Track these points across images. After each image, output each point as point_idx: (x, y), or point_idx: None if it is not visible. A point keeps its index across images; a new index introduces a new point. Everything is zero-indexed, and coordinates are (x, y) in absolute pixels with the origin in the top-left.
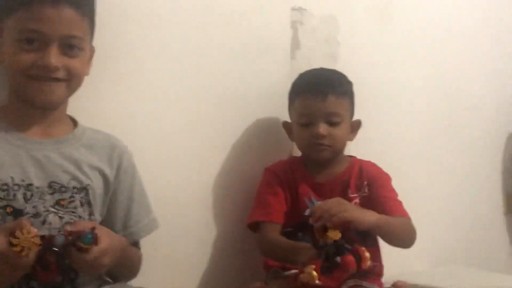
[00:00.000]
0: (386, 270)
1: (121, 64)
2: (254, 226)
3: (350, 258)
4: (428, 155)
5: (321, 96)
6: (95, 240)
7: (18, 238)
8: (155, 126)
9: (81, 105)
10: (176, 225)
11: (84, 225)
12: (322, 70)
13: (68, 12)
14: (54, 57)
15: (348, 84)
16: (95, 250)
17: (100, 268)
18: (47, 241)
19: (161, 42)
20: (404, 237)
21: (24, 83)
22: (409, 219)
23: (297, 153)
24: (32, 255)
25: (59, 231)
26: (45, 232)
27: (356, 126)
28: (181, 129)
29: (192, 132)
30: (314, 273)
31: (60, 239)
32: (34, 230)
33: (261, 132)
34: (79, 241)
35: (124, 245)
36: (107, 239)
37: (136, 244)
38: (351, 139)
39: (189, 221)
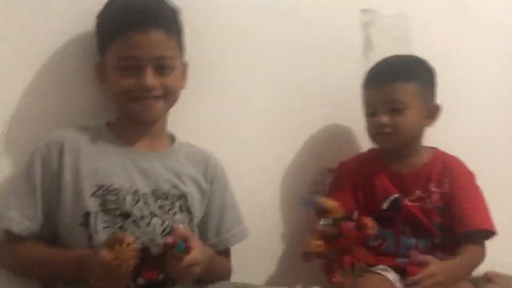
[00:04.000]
0: None
1: (209, 77)
2: None
3: (349, 224)
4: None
5: (378, 84)
6: (187, 250)
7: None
8: (243, 134)
9: (177, 118)
10: (265, 227)
11: (180, 234)
12: (389, 58)
13: (157, 36)
14: (150, 78)
15: (417, 67)
16: (188, 258)
17: (191, 275)
18: (144, 252)
19: (245, 52)
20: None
21: (127, 104)
22: (482, 248)
23: None
24: (130, 267)
25: (161, 235)
26: (149, 233)
27: (433, 111)
28: (265, 134)
29: (275, 135)
30: (313, 241)
31: (155, 250)
32: (132, 241)
33: (335, 133)
34: (173, 250)
35: (211, 255)
36: (198, 249)
37: (227, 251)
38: (427, 125)
39: (277, 225)
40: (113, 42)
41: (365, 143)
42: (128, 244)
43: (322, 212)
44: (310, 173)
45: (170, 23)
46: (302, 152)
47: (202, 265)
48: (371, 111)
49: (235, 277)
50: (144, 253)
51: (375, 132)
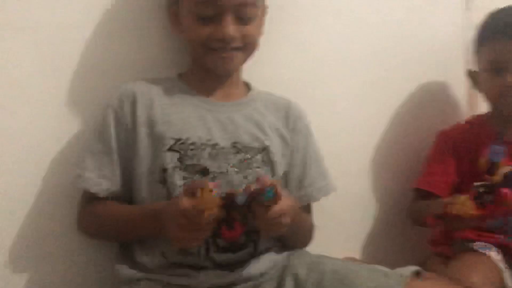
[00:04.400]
0: None
1: (295, 28)
2: (418, 192)
3: (505, 191)
4: None
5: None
6: (276, 197)
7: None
8: (319, 88)
9: (256, 71)
10: (352, 195)
11: (265, 182)
12: None
13: None
14: (230, 27)
15: None
16: (277, 207)
17: (280, 227)
18: (228, 199)
19: (333, 2)
20: None
21: (203, 54)
22: None
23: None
24: (214, 214)
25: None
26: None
27: None
28: (344, 91)
29: (361, 96)
30: (469, 203)
31: (241, 198)
32: (214, 187)
33: (431, 94)
34: (260, 198)
35: (297, 209)
36: (286, 198)
37: (308, 208)
38: None
39: (356, 188)
40: None
41: (465, 106)
42: (211, 190)
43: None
44: (406, 138)
45: None
46: (397, 113)
47: (291, 216)
48: (497, 67)
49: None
50: (228, 202)
51: (501, 92)
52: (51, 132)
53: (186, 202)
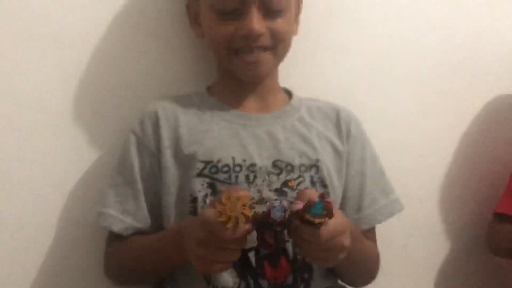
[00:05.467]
0: None
1: (338, 30)
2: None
3: None
4: None
5: None
6: (328, 211)
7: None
8: (376, 95)
9: (295, 75)
10: (406, 218)
11: (311, 194)
12: None
13: None
14: (257, 22)
15: None
16: (330, 226)
17: (337, 253)
18: (263, 218)
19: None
20: None
21: (228, 58)
22: None
23: None
24: (241, 228)
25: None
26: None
27: None
28: (407, 100)
29: (422, 104)
30: None
31: (279, 210)
32: (246, 196)
33: (508, 109)
34: (307, 213)
35: (357, 231)
36: (341, 216)
37: (370, 233)
38: None
39: (422, 214)
40: None
41: None
42: (239, 199)
43: None
44: (479, 157)
45: None
46: (468, 130)
47: (350, 238)
48: None
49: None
50: (263, 219)
51: None
52: (69, 160)
53: (208, 213)
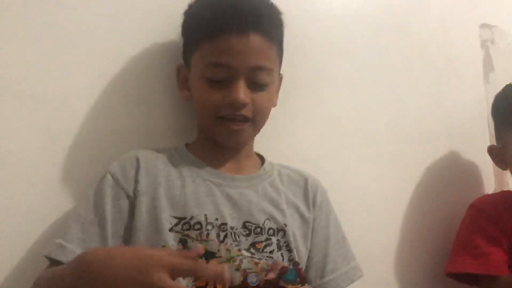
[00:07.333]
0: None
1: (300, 97)
2: (460, 277)
3: None
4: None
5: None
6: (301, 278)
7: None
8: (338, 162)
9: (265, 141)
10: (368, 272)
11: (283, 264)
12: None
13: (256, 41)
14: (243, 92)
15: None
16: None
17: None
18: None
19: (341, 71)
20: None
21: (212, 124)
22: None
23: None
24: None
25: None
26: (238, 279)
27: None
28: (365, 166)
29: (378, 169)
30: None
31: (255, 276)
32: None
33: (456, 165)
34: (281, 279)
35: None
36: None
37: None
38: None
39: (380, 273)
40: (201, 44)
41: (484, 180)
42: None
43: None
44: (428, 214)
45: (273, 27)
46: (417, 190)
47: None
48: None
49: None
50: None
51: None
52: (45, 209)
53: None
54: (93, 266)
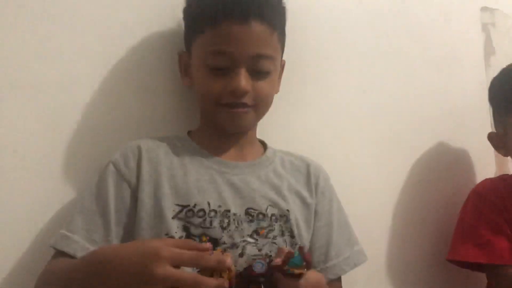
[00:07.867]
0: None
1: (301, 83)
2: (461, 263)
3: None
4: None
5: None
6: (307, 262)
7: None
8: (340, 148)
9: (268, 128)
10: (375, 258)
11: (289, 250)
12: None
13: (257, 28)
14: (244, 80)
15: None
16: (310, 275)
17: None
18: (245, 270)
19: (341, 57)
20: None
21: (214, 111)
22: None
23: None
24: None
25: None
26: (242, 265)
27: None
28: (367, 151)
29: (380, 154)
30: None
31: (261, 263)
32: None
33: (455, 152)
34: (288, 264)
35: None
36: (315, 272)
37: (337, 282)
38: None
39: (377, 255)
40: (202, 31)
41: (485, 166)
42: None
43: None
44: (430, 199)
45: (275, 15)
46: (419, 174)
47: None
48: None
49: None
50: (245, 273)
51: None
52: (49, 198)
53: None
54: (103, 265)
